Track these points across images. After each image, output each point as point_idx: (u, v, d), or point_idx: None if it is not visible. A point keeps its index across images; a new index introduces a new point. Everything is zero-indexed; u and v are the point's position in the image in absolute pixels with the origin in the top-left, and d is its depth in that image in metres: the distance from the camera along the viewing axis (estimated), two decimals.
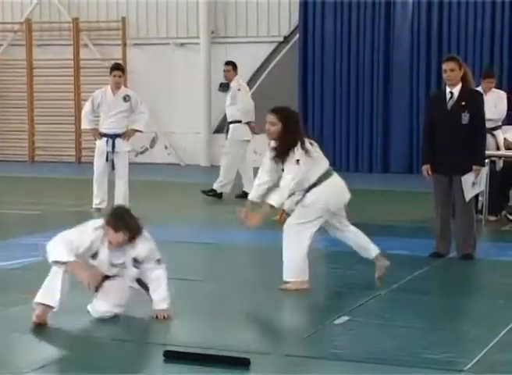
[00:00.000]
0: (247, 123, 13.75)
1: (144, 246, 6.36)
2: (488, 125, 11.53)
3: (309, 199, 7.37)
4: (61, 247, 6.25)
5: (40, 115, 20.25)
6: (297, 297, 7.25)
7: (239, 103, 13.67)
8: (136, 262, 6.36)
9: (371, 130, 17.81)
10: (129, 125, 12.05)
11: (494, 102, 11.88)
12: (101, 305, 6.37)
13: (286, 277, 7.43)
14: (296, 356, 5.58)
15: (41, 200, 13.36)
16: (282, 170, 7.30)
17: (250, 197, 7.56)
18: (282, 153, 7.27)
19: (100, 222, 6.44)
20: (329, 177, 7.48)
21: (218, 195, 13.45)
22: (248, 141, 13.89)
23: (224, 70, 13.96)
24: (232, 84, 13.80)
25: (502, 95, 12.28)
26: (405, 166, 17.53)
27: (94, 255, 6.35)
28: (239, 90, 13.75)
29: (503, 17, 16.73)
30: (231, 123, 13.84)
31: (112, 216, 6.35)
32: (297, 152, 7.22)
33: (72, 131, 19.74)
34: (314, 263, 8.84)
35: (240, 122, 13.72)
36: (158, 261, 6.44)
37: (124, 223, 6.27)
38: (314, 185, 7.36)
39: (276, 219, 7.79)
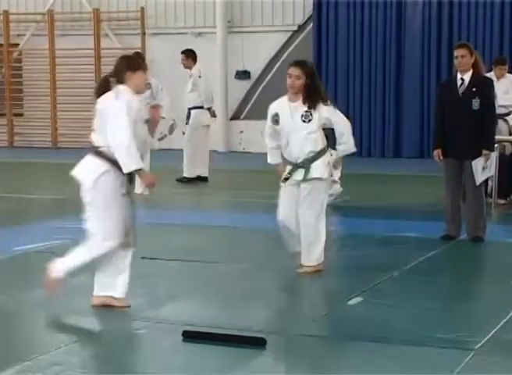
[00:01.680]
0: (208, 109, 13.65)
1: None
2: (501, 111, 11.65)
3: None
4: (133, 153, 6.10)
5: (63, 102, 20.28)
6: (312, 279, 7.23)
7: (200, 90, 13.57)
8: None
9: (384, 117, 17.76)
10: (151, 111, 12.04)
11: (506, 88, 11.86)
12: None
13: (312, 261, 7.25)
14: (310, 336, 5.58)
15: (64, 185, 13.37)
16: None
17: (273, 161, 7.56)
18: (311, 104, 7.14)
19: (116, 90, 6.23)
20: None
21: (193, 180, 13.32)
22: (208, 126, 13.85)
23: (181, 59, 13.84)
24: (193, 72, 13.68)
25: None
26: (416, 151, 17.47)
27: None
28: (199, 77, 13.65)
29: (511, 13, 16.62)
30: (192, 109, 13.71)
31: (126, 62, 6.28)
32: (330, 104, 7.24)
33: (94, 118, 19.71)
34: (327, 246, 8.85)
35: (201, 108, 13.61)
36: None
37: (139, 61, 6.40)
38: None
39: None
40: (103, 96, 6.20)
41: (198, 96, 13.57)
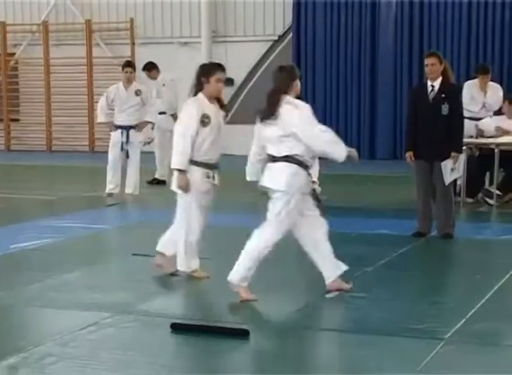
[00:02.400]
0: (172, 115, 13.60)
1: None
2: (483, 115, 12.08)
3: None
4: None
5: (57, 108, 20.20)
6: (291, 274, 7.24)
7: (164, 97, 13.54)
8: None
9: (359, 121, 17.80)
10: (142, 117, 12.04)
11: (492, 94, 12.23)
12: None
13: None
14: (289, 327, 5.59)
15: (57, 186, 13.36)
16: None
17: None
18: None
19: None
20: None
21: (162, 182, 13.24)
22: (171, 131, 13.74)
23: (146, 75, 13.83)
24: (158, 80, 13.67)
25: (498, 88, 12.60)
26: (390, 153, 17.51)
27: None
28: (163, 85, 13.63)
29: (478, 15, 16.69)
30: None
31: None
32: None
33: (86, 123, 19.70)
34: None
35: (164, 113, 13.57)
36: None
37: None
38: None
39: None
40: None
41: (161, 102, 13.51)
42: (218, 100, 7.03)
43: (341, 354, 5.05)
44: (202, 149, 6.87)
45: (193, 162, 6.88)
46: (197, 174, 6.90)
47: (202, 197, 6.98)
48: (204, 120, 6.87)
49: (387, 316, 5.79)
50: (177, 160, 6.82)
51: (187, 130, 6.82)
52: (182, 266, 6.93)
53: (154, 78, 13.74)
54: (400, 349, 5.12)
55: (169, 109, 13.53)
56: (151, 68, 13.76)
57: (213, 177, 7.06)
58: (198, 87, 6.92)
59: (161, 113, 13.42)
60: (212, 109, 6.96)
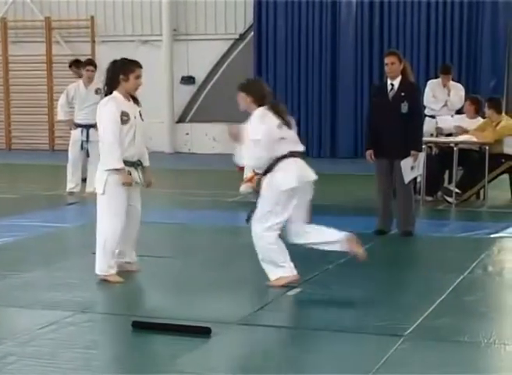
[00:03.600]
0: None
1: None
2: (445, 113, 12.44)
3: None
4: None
5: (16, 106, 20.03)
6: (253, 272, 7.28)
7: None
8: None
9: (320, 119, 17.88)
10: None
11: (454, 93, 12.46)
12: None
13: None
14: (252, 325, 5.61)
15: (18, 185, 13.26)
16: None
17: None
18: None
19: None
20: None
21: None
22: None
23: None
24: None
25: (460, 88, 12.91)
26: (351, 152, 17.61)
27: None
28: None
29: (437, 13, 16.86)
30: None
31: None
32: None
33: (46, 121, 19.57)
34: None
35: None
36: None
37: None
38: None
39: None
40: None
41: None
42: (132, 96, 6.97)
43: (300, 351, 5.09)
44: (123, 147, 6.79)
45: None
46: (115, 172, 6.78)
47: (124, 196, 6.83)
48: (123, 118, 6.81)
49: (346, 313, 5.84)
50: (112, 160, 6.71)
51: (112, 129, 6.75)
52: (99, 269, 6.84)
53: (81, 76, 13.64)
54: (359, 346, 5.17)
55: None
56: (78, 66, 13.64)
57: (139, 176, 6.99)
58: (114, 85, 6.88)
59: None
60: (130, 106, 6.91)
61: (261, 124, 6.55)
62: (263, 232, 6.57)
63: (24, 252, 8.08)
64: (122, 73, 6.86)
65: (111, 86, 6.90)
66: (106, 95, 6.91)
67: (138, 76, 6.92)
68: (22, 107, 19.90)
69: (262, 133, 6.50)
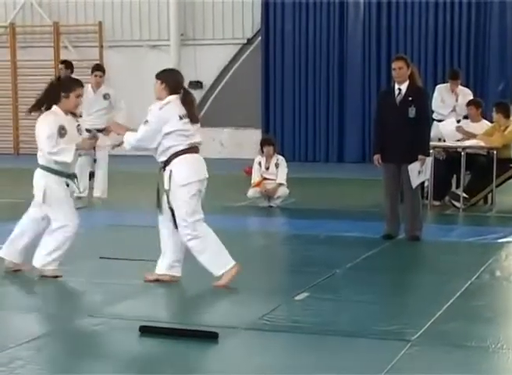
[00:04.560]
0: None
1: None
2: (453, 117, 12.32)
3: None
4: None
5: (24, 111, 19.95)
6: (261, 276, 7.28)
7: None
8: None
9: (328, 123, 17.89)
10: (110, 121, 12.00)
11: (462, 98, 12.50)
12: None
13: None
14: (259, 330, 5.61)
15: (25, 189, 13.24)
16: None
17: None
18: None
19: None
20: None
21: None
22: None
23: (60, 69, 13.87)
24: None
25: (468, 93, 12.92)
26: (358, 156, 17.61)
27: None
28: None
29: (444, 18, 16.86)
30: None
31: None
32: None
33: None
34: (275, 245, 8.91)
35: None
36: None
37: None
38: None
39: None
40: None
41: None
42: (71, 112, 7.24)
43: (308, 356, 5.08)
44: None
45: (50, 170, 7.07)
46: (54, 182, 7.08)
47: (61, 205, 7.09)
48: (61, 131, 7.03)
49: (354, 318, 5.83)
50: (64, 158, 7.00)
51: (49, 142, 7.00)
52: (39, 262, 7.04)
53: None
54: (366, 351, 5.16)
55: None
56: (64, 66, 13.73)
57: (77, 187, 7.33)
58: (54, 101, 7.11)
59: None
60: (68, 121, 7.14)
61: (159, 110, 6.69)
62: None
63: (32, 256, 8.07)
64: (64, 90, 7.09)
65: (51, 101, 7.13)
66: (46, 109, 7.16)
67: (79, 95, 7.18)
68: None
69: (154, 116, 6.66)
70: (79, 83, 7.21)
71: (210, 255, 6.70)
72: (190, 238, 6.70)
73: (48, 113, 7.11)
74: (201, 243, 6.70)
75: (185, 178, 6.63)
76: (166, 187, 6.66)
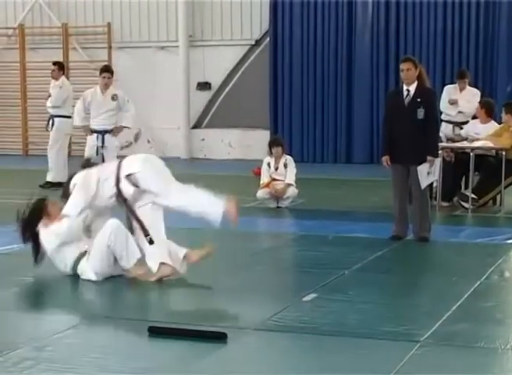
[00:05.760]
0: (68, 117, 13.65)
1: None
2: (460, 118, 12.40)
3: None
4: None
5: (33, 112, 20.12)
6: (269, 277, 7.28)
7: (56, 99, 13.65)
8: None
9: (336, 125, 17.88)
10: (118, 122, 12.03)
11: (468, 99, 12.40)
12: None
13: None
14: (268, 330, 5.61)
15: (34, 190, 13.26)
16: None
17: None
18: None
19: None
20: None
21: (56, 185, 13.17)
22: (69, 134, 13.96)
23: (51, 70, 13.96)
24: (57, 83, 13.74)
25: (475, 93, 12.84)
26: (366, 157, 17.59)
27: None
28: (60, 87, 13.66)
29: (453, 18, 16.85)
30: (55, 117, 13.67)
31: None
32: None
33: None
34: (284, 246, 8.91)
35: (63, 117, 13.61)
36: None
37: None
38: None
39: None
40: None
41: (65, 106, 13.65)
42: None
43: (316, 356, 5.08)
44: None
45: None
46: None
47: None
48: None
49: (363, 319, 5.82)
50: None
51: None
52: None
53: (55, 78, 13.82)
54: (375, 352, 5.15)
55: (67, 111, 13.58)
56: (57, 68, 13.85)
57: None
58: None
59: (59, 116, 13.44)
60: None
61: None
62: None
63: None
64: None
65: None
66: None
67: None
68: (38, 113, 19.97)
69: None
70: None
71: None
72: None
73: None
74: None
75: None
76: None
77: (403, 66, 8.76)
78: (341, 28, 17.58)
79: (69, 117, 13.74)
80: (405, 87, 8.75)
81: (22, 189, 13.34)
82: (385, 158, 8.83)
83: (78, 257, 6.88)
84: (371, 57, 17.41)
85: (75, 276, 7.06)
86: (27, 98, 20.08)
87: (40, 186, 13.07)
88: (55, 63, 14.00)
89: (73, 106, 13.25)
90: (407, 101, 8.72)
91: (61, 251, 6.93)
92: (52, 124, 13.65)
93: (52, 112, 13.72)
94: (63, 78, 13.94)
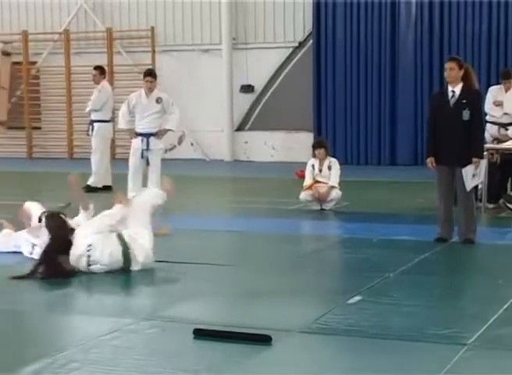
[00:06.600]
0: (107, 121, 13.81)
1: None
2: (506, 120, 12.11)
3: None
4: None
5: (78, 116, 20.31)
6: (314, 280, 7.26)
7: (95, 103, 13.76)
8: None
9: (380, 127, 17.80)
10: (162, 125, 12.07)
11: (507, 99, 12.26)
12: None
13: None
14: (313, 333, 5.59)
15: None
16: None
17: None
18: None
19: None
20: None
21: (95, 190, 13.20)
22: (110, 138, 14.07)
23: (92, 75, 14.03)
24: (98, 87, 13.88)
25: None
26: (411, 159, 17.50)
27: None
28: (99, 91, 13.79)
29: (498, 18, 16.69)
30: (95, 121, 13.81)
31: None
32: None
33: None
34: (328, 249, 8.88)
35: (102, 121, 13.73)
36: None
37: None
38: None
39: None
40: None
41: (104, 110, 13.80)
42: None
43: (362, 360, 5.05)
44: None
45: None
46: None
47: None
48: None
49: (408, 322, 5.78)
50: None
51: None
52: None
53: (97, 82, 13.97)
54: (421, 355, 5.11)
55: (107, 116, 13.78)
56: (98, 72, 13.97)
57: None
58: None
59: (99, 121, 13.56)
60: None
61: None
62: None
63: None
64: None
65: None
66: None
67: None
68: (83, 117, 20.14)
69: None
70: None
71: None
72: None
73: None
74: None
75: None
76: None
77: (446, 66, 8.70)
78: (384, 29, 17.50)
79: (108, 121, 13.87)
80: (450, 88, 8.68)
81: (66, 192, 13.50)
82: (430, 160, 8.76)
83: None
84: (415, 58, 17.31)
85: (120, 279, 7.12)
86: (72, 102, 20.28)
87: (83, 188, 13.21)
88: (96, 68, 14.13)
89: (116, 110, 13.37)
90: (452, 102, 8.64)
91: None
92: (92, 129, 13.80)
93: (92, 116, 13.87)
94: (104, 82, 14.07)
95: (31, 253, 7.84)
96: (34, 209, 8.19)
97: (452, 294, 6.81)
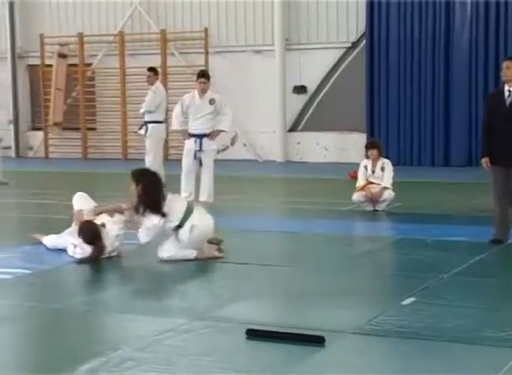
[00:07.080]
0: (161, 122, 13.91)
1: None
2: None
3: None
4: None
5: (133, 117, 20.48)
6: (367, 281, 7.24)
7: (149, 104, 13.88)
8: None
9: (433, 127, 17.66)
10: (215, 126, 12.11)
11: None
12: None
13: None
14: (366, 334, 5.57)
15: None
16: None
17: None
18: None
19: None
20: None
21: None
22: (164, 139, 14.18)
23: (146, 76, 14.19)
24: (152, 88, 14.03)
25: None
26: (465, 160, 17.33)
27: None
28: (154, 92, 13.90)
29: None
30: (149, 122, 13.93)
31: None
32: None
33: None
34: (381, 250, 8.84)
35: (156, 122, 13.78)
36: None
37: None
38: None
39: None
40: None
41: (158, 111, 13.97)
42: None
43: (415, 362, 5.02)
44: None
45: None
46: None
47: None
48: None
49: (463, 324, 5.73)
50: None
51: None
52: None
53: (151, 84, 14.10)
54: (475, 358, 5.06)
55: (160, 117, 13.94)
56: (152, 74, 14.21)
57: None
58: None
59: (156, 122, 13.65)
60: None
61: None
62: None
63: (136, 260, 8.22)
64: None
65: None
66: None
67: None
68: (137, 118, 20.30)
69: None
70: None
71: None
72: None
73: None
74: None
75: None
76: None
77: (503, 65, 8.60)
78: (439, 28, 17.36)
79: (161, 122, 14.00)
80: (506, 88, 8.57)
81: (120, 192, 13.63)
82: (485, 160, 8.66)
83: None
84: (470, 58, 17.14)
85: (174, 279, 7.16)
86: (126, 103, 20.47)
87: None
88: (149, 69, 14.29)
89: (169, 111, 13.46)
90: (508, 101, 8.54)
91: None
92: (146, 130, 13.94)
93: (146, 117, 14.01)
94: (158, 83, 14.21)
95: (74, 252, 8.09)
96: (85, 208, 8.42)
97: (508, 295, 6.72)
